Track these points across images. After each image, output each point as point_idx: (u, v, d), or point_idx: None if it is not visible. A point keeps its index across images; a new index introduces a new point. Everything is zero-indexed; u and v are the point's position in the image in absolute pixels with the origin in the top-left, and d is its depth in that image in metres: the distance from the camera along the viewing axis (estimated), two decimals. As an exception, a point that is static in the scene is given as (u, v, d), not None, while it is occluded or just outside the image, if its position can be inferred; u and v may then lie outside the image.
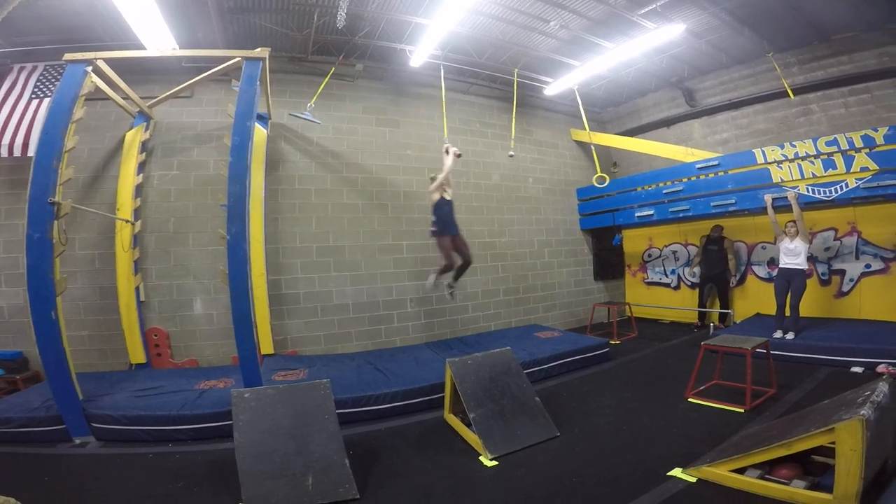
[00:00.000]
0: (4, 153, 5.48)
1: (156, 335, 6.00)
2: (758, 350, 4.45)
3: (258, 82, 4.86)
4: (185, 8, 5.28)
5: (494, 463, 3.51)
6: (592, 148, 8.12)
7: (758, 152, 6.73)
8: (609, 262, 9.82)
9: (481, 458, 3.58)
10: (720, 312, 7.87)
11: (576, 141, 9.71)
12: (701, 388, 4.73)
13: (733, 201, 7.00)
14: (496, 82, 8.32)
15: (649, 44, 6.38)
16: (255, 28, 6.29)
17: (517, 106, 7.88)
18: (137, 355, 5.79)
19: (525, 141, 8.89)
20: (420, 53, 6.61)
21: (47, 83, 5.71)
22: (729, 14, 6.42)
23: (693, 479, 3.03)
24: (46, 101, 5.54)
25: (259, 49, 4.95)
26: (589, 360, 6.12)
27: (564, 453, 3.63)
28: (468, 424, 3.90)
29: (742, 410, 4.16)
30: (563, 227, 9.28)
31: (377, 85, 7.57)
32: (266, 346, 6.12)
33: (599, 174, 7.65)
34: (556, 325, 8.31)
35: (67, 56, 4.57)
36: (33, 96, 5.67)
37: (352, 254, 7.03)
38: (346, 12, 5.53)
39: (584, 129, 8.23)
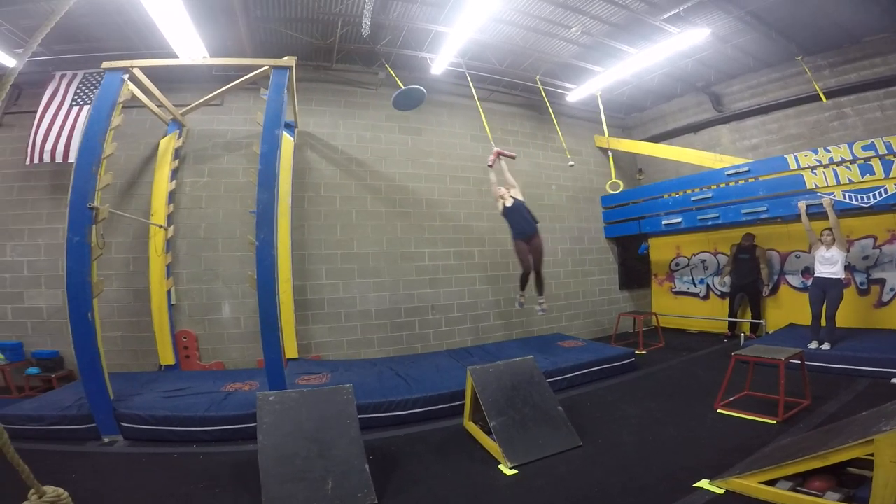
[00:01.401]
0: (47, 159, 5.73)
1: (185, 338, 6.17)
2: (792, 361, 4.27)
3: (286, 91, 4.98)
4: (215, 16, 5.45)
5: (514, 472, 3.46)
6: (609, 154, 8.01)
7: (790, 158, 6.52)
8: (635, 270, 9.64)
9: (501, 466, 3.54)
10: (752, 322, 7.61)
11: (599, 148, 9.61)
12: (731, 399, 4.56)
13: (765, 208, 6.78)
14: (517, 89, 8.34)
15: (673, 48, 6.30)
16: (281, 37, 6.46)
17: (539, 112, 7.87)
18: (167, 357, 5.96)
19: (547, 148, 8.84)
20: (441, 61, 6.69)
21: (87, 90, 5.96)
22: (755, 17, 6.28)
23: (721, 491, 2.92)
24: (86, 108, 5.78)
25: (286, 58, 5.07)
26: (614, 370, 5.99)
27: (587, 463, 3.56)
28: (488, 433, 3.86)
29: (774, 422, 3.99)
30: (587, 235, 9.16)
31: (399, 93, 7.69)
32: (291, 350, 6.22)
33: (613, 180, 7.50)
34: (580, 335, 8.19)
35: (106, 64, 4.75)
36: (73, 103, 5.92)
37: (375, 261, 7.11)
38: (370, 21, 5.64)
39: (610, 134, 8.12)
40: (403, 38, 6.69)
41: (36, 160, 5.77)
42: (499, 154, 5.81)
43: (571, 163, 7.32)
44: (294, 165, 6.56)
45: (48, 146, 5.74)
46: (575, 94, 8.08)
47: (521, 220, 5.55)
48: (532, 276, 5.66)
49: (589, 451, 3.77)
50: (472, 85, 6.81)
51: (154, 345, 5.94)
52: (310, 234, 6.81)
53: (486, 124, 7.04)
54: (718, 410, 4.40)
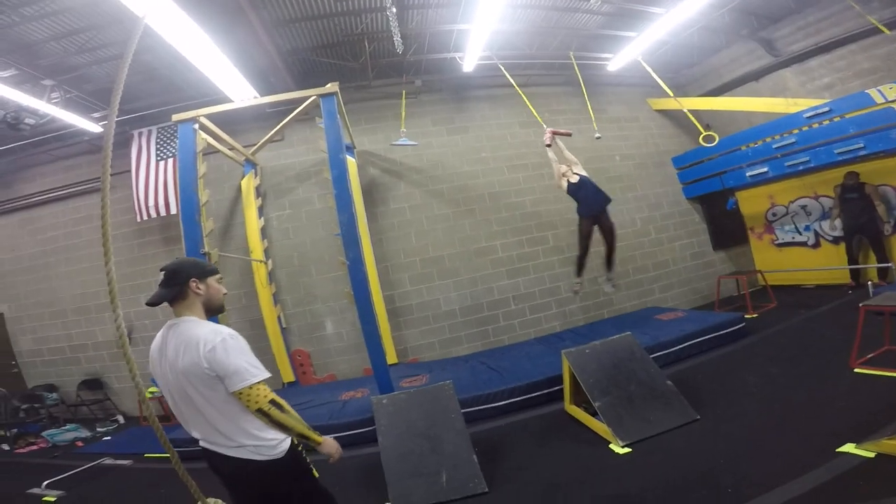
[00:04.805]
0: (153, 214, 6.39)
1: (299, 356, 6.72)
2: (936, 304, 3.73)
3: (338, 115, 5.10)
4: (252, 58, 5.54)
5: (627, 450, 3.38)
6: (686, 111, 7.42)
7: (873, 92, 5.78)
8: (727, 228, 8.83)
9: (612, 445, 3.48)
10: (878, 268, 6.70)
11: (657, 110, 9.03)
12: (869, 356, 4.01)
13: (862, 145, 6.00)
14: (554, 68, 8.06)
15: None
16: (316, 65, 6.73)
17: (583, 87, 7.54)
18: (287, 375, 6.54)
19: (601, 120, 8.33)
20: (470, 58, 6.58)
21: (164, 144, 6.44)
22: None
23: (871, 454, 2.63)
24: (170, 160, 6.26)
25: (329, 84, 5.10)
26: (722, 338, 5.52)
27: (707, 436, 3.38)
28: (593, 414, 3.80)
29: (927, 375, 3.51)
30: (664, 199, 8.60)
31: (438, 96, 7.75)
32: (390, 356, 6.46)
33: (706, 133, 6.87)
34: (677, 305, 7.70)
35: (175, 117, 4.96)
36: (158, 158, 6.43)
37: (451, 261, 7.25)
38: (399, 36, 5.69)
39: (665, 95, 7.57)
40: (428, 43, 6.74)
41: (145, 216, 6.45)
42: (553, 133, 5.67)
43: (598, 135, 6.95)
44: (361, 184, 6.88)
45: (150, 202, 6.33)
46: (615, 63, 7.62)
47: (589, 196, 5.36)
48: (605, 256, 5.55)
49: (708, 424, 3.58)
50: (506, 73, 6.69)
51: (275, 365, 6.51)
52: (388, 245, 7.11)
53: (531, 107, 6.89)
54: (856, 370, 3.92)
